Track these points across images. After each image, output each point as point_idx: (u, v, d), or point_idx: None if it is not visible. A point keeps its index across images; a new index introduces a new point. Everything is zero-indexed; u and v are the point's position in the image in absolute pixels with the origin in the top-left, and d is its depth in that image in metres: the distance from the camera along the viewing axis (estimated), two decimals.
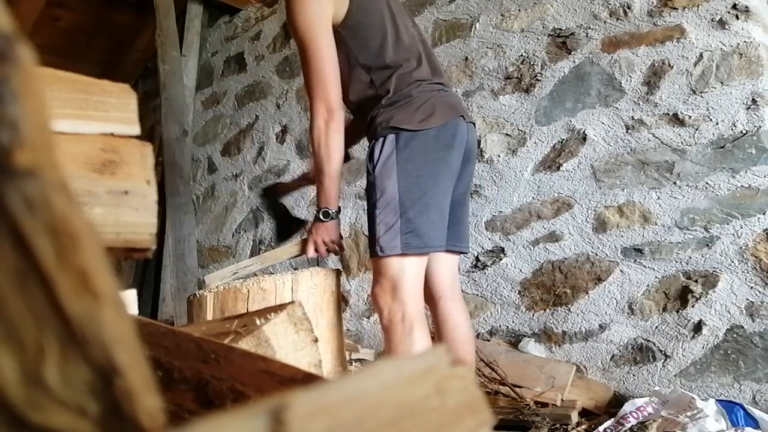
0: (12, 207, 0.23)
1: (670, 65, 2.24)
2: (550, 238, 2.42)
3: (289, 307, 0.72)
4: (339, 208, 1.67)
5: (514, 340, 2.45)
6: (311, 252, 1.68)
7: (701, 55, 2.18)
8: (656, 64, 2.28)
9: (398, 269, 1.57)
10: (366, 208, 1.67)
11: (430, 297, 1.74)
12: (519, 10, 2.66)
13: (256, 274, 1.73)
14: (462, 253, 1.84)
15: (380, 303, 1.58)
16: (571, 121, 2.44)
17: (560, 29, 2.53)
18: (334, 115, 1.57)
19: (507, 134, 2.61)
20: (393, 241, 1.56)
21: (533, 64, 2.58)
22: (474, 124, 1.82)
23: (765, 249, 1.97)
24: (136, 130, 0.51)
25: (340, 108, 1.59)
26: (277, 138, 3.51)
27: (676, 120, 2.20)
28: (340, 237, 1.71)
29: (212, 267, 3.69)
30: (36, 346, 0.23)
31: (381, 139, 1.61)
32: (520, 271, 2.49)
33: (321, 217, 1.64)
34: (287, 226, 1.98)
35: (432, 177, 1.60)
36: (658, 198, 2.19)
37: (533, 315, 2.43)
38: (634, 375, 2.17)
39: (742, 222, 2.02)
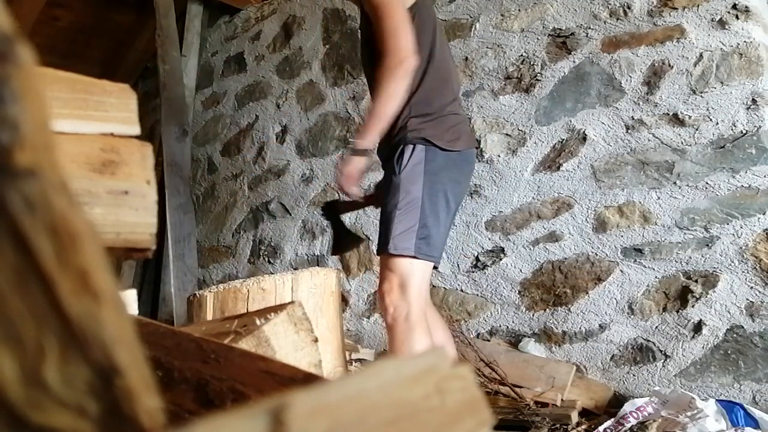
0: (12, 207, 0.23)
1: (670, 65, 2.24)
2: (550, 238, 2.42)
3: (289, 307, 0.72)
4: (374, 149, 1.72)
5: (514, 340, 2.45)
6: (341, 182, 1.70)
7: (701, 55, 2.18)
8: (656, 64, 2.28)
9: (408, 269, 1.63)
10: (385, 207, 1.70)
11: None
12: (519, 10, 2.66)
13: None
14: (435, 268, 1.89)
15: (386, 301, 1.62)
16: (571, 121, 2.44)
17: (560, 29, 2.53)
18: (405, 65, 1.61)
19: (507, 134, 2.61)
20: (407, 242, 1.63)
21: (533, 64, 2.58)
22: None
23: (765, 249, 1.97)
24: (136, 130, 0.51)
25: (413, 56, 1.62)
26: (277, 138, 3.51)
27: (676, 120, 2.20)
28: (360, 180, 1.73)
29: (212, 267, 3.69)
30: (36, 346, 0.23)
31: (411, 146, 1.69)
32: (520, 271, 2.48)
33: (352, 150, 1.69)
34: (343, 239, 2.05)
35: (446, 195, 1.70)
36: (658, 198, 2.19)
37: (533, 315, 2.43)
38: (634, 375, 2.17)
39: (742, 222, 2.02)
